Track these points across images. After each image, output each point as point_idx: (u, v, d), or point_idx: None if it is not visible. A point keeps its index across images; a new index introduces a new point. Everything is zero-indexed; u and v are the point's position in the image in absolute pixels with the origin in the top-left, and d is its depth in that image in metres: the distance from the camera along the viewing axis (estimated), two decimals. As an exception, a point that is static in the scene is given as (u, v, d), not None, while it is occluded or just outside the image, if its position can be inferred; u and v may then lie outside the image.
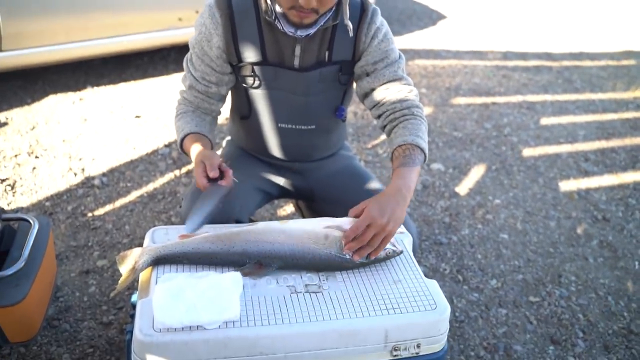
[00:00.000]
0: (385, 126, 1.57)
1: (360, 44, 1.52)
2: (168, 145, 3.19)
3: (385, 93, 1.54)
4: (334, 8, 1.44)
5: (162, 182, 2.85)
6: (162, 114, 3.58)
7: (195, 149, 1.46)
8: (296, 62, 1.51)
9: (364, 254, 1.29)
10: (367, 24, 1.50)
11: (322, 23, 1.43)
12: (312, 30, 1.43)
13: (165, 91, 3.94)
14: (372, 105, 1.58)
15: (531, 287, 2.32)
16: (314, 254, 1.29)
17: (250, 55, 1.50)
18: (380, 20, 1.53)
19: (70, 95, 3.75)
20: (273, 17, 1.41)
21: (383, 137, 3.46)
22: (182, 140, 1.53)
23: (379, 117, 1.58)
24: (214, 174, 1.35)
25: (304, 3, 1.30)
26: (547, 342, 2.06)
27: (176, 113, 1.61)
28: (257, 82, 1.54)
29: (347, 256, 1.29)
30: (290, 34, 1.43)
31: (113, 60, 4.35)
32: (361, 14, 1.51)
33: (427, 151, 1.46)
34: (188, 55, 1.56)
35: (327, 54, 1.52)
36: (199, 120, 1.57)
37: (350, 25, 1.44)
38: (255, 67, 1.52)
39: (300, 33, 1.43)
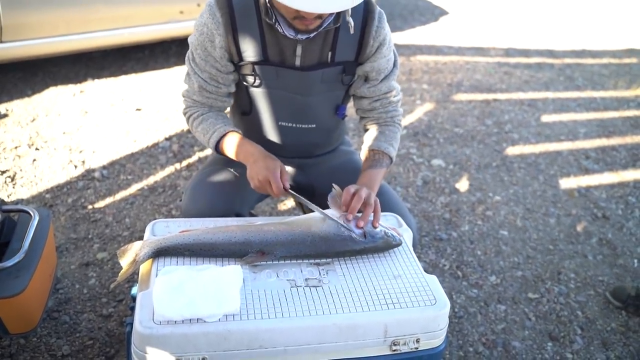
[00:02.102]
0: (365, 125, 1.72)
1: (367, 47, 1.52)
2: (169, 139, 3.19)
3: (375, 104, 1.64)
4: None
5: (163, 175, 2.85)
6: (163, 107, 3.58)
7: (250, 148, 1.50)
8: (297, 62, 1.50)
9: (369, 213, 1.35)
10: (375, 28, 1.50)
11: (324, 26, 1.42)
12: (312, 34, 1.43)
13: (166, 84, 3.93)
14: (358, 108, 1.70)
15: (530, 283, 2.33)
16: (313, 236, 1.32)
17: (251, 54, 1.49)
18: (387, 25, 1.54)
19: (71, 88, 3.75)
20: (273, 21, 1.40)
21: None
22: (220, 139, 1.54)
23: (362, 119, 1.72)
24: (288, 184, 1.43)
25: (306, 15, 1.30)
26: (546, 339, 2.06)
27: (192, 116, 1.60)
28: (257, 81, 1.54)
29: (346, 233, 1.33)
30: (291, 37, 1.42)
31: (114, 53, 4.34)
32: (366, 15, 1.49)
33: (394, 158, 1.64)
34: (189, 55, 1.55)
35: (329, 54, 1.51)
36: (223, 119, 1.59)
37: (352, 22, 1.42)
38: (256, 67, 1.51)
39: (301, 36, 1.43)
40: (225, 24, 1.45)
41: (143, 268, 1.28)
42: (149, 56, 4.41)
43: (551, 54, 5.39)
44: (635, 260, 2.52)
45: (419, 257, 2.36)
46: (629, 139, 3.72)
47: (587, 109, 4.17)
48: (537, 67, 4.99)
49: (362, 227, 1.35)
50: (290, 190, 1.43)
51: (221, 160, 1.71)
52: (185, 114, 1.63)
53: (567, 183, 3.12)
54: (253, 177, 1.44)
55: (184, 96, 1.62)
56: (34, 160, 2.86)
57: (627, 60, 5.39)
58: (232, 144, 1.53)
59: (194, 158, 3.01)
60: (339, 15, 1.44)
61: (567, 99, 4.34)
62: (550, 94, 4.38)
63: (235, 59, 1.51)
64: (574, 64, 5.17)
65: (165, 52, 4.50)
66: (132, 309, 1.30)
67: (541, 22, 6.59)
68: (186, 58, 1.56)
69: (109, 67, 4.16)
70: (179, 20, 3.94)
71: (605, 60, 5.33)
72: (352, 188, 1.39)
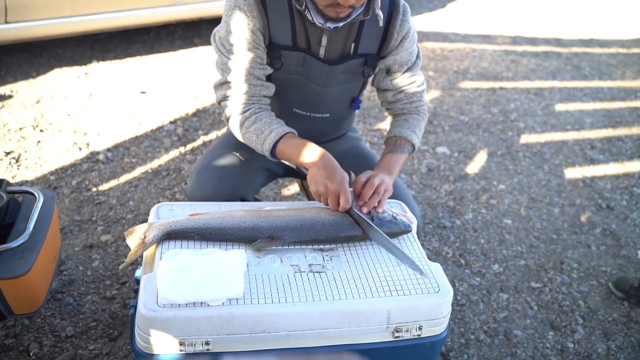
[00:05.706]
0: (390, 115, 1.74)
1: (390, 40, 1.52)
2: (173, 122, 3.18)
3: (399, 96, 1.64)
4: (365, 2, 1.40)
5: (167, 159, 2.85)
6: (168, 90, 3.57)
7: (317, 150, 1.40)
8: (321, 52, 1.49)
9: (375, 202, 1.35)
10: (400, 21, 1.50)
11: (353, 16, 1.41)
12: (341, 24, 1.41)
13: (171, 67, 3.92)
14: (383, 100, 1.70)
15: (533, 273, 2.33)
16: (323, 221, 1.32)
17: (280, 38, 1.47)
18: (411, 19, 1.54)
19: (76, 70, 3.74)
20: (303, 7, 1.39)
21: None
22: (277, 142, 1.44)
23: (388, 109, 1.72)
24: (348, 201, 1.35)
25: (342, 1, 1.28)
26: (547, 328, 2.06)
27: (242, 115, 1.48)
28: (282, 66, 1.52)
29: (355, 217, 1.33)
30: (320, 25, 1.41)
31: (119, 35, 4.32)
32: (391, 8, 1.49)
33: (417, 146, 1.63)
34: (221, 48, 1.46)
35: (353, 46, 1.50)
36: (276, 118, 1.49)
37: (381, 14, 1.42)
38: (282, 51, 1.49)
39: (330, 25, 1.41)
40: (257, 6, 1.42)
41: (147, 251, 1.28)
42: (154, 39, 4.38)
43: (559, 42, 5.35)
44: (639, 252, 2.52)
45: (422, 245, 2.36)
46: (636, 130, 3.69)
47: (594, 99, 4.14)
48: (544, 55, 4.95)
49: (367, 213, 1.36)
50: (354, 210, 1.34)
51: (226, 144, 1.71)
52: (229, 116, 1.51)
53: (572, 173, 3.11)
54: (318, 183, 1.35)
55: (224, 98, 1.51)
56: (39, 141, 2.86)
57: (635, 50, 5.34)
58: (294, 144, 1.43)
59: (199, 142, 3.01)
60: (369, 7, 1.42)
61: (574, 88, 4.31)
62: (557, 83, 4.35)
63: (266, 42, 1.49)
64: (581, 53, 5.12)
65: (170, 35, 4.47)
66: (136, 291, 1.30)
67: (549, 10, 6.53)
68: (218, 52, 1.47)
69: (114, 49, 4.14)
70: (185, 3, 3.91)
71: (613, 50, 5.28)
72: (363, 177, 1.40)
